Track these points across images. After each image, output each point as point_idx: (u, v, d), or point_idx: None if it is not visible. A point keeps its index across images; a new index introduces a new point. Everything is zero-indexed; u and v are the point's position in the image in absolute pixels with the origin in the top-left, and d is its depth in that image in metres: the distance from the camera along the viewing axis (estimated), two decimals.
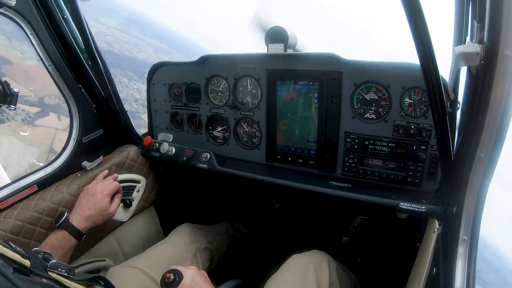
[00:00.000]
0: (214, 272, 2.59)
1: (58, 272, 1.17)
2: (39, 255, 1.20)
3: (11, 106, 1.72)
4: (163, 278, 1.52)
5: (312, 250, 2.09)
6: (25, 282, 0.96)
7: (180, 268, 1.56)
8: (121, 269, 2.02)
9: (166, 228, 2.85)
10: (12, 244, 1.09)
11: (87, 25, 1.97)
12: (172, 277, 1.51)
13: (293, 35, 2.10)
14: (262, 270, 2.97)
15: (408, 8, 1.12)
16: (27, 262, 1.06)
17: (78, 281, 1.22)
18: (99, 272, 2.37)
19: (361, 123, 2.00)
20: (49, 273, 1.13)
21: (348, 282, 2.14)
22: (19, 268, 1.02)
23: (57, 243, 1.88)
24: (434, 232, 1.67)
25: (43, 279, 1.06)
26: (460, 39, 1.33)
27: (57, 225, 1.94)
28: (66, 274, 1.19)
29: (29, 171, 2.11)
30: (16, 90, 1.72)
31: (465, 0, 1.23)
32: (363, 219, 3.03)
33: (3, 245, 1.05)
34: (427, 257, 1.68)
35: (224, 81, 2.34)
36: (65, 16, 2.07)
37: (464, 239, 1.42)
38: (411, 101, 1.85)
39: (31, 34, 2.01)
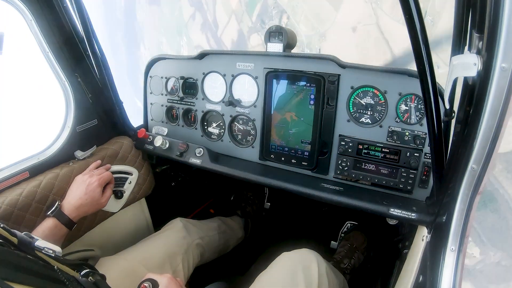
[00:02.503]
0: (204, 269, 2.60)
1: (44, 252, 1.17)
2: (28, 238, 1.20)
3: None
4: None
5: (302, 249, 2.09)
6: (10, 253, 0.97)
7: (155, 276, 1.55)
8: (112, 260, 2.02)
9: (156, 222, 2.85)
10: (1, 222, 1.09)
11: (87, 14, 1.97)
12: (150, 286, 1.50)
13: (292, 35, 2.10)
14: (252, 268, 2.98)
15: (408, 15, 1.12)
16: (14, 239, 1.07)
17: (65, 263, 1.22)
18: (87, 261, 2.37)
19: (356, 127, 2.00)
20: (36, 252, 1.13)
21: (336, 282, 2.14)
22: (4, 243, 1.02)
23: (48, 231, 1.88)
24: (422, 240, 1.68)
25: (28, 256, 1.06)
26: (458, 48, 1.33)
27: (48, 213, 1.94)
28: (53, 255, 1.19)
29: None
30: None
31: (465, 9, 1.23)
32: (352, 224, 3.05)
33: None
34: (414, 264, 1.68)
35: (222, 78, 2.33)
36: (64, 5, 2.05)
37: (452, 249, 1.42)
38: (407, 108, 1.85)
39: (30, 21, 1.99)
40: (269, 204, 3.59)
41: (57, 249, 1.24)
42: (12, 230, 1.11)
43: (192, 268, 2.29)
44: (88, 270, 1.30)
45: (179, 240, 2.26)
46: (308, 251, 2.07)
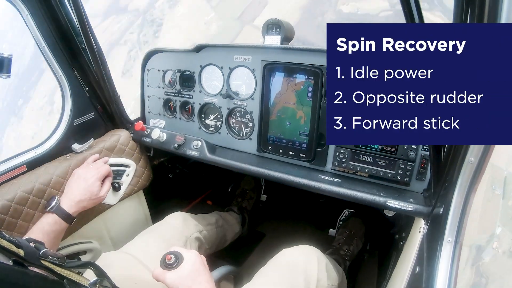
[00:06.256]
0: None
1: (49, 260, 1.18)
2: (31, 244, 1.21)
3: (2, 74, 1.63)
4: (164, 259, 1.50)
5: (302, 245, 2.11)
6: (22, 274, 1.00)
7: (181, 250, 1.55)
8: (114, 255, 2.02)
9: (154, 214, 2.86)
10: (5, 234, 1.10)
11: (83, 8, 1.96)
12: (173, 258, 1.50)
13: (290, 28, 2.09)
14: (249, 259, 2.99)
15: (407, 10, 1.12)
16: (20, 252, 1.07)
17: (69, 268, 1.23)
18: (85, 254, 2.39)
19: None
20: (42, 261, 1.14)
21: (335, 277, 2.16)
22: (17, 260, 1.03)
23: (48, 227, 1.88)
24: (419, 232, 1.69)
25: (36, 268, 1.07)
26: None
27: (48, 209, 1.94)
28: (58, 262, 1.20)
29: None
30: (7, 54, 1.62)
31: (464, 3, 1.23)
32: (350, 211, 3.07)
33: None
34: (411, 255, 1.70)
35: (219, 70, 2.33)
36: None
37: (449, 241, 1.44)
38: None
39: (26, 15, 1.98)
40: (266, 196, 3.60)
41: (61, 256, 1.25)
42: (16, 241, 1.12)
43: None
44: (96, 278, 1.31)
45: (178, 234, 2.27)
46: (308, 247, 2.09)
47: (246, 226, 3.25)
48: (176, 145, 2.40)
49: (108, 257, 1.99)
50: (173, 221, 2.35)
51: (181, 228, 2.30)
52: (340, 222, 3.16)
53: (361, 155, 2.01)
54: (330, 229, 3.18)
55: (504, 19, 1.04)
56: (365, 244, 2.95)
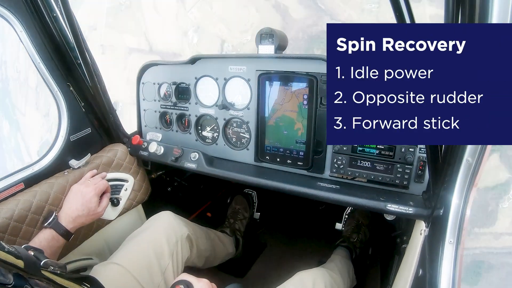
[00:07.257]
0: (199, 271, 2.59)
1: (51, 270, 1.17)
2: (29, 252, 1.19)
3: None
4: None
5: (312, 269, 2.12)
6: None
7: (191, 279, 1.54)
8: (103, 266, 1.99)
9: None
10: (4, 244, 1.09)
11: (77, 23, 1.96)
12: None
13: (283, 37, 2.11)
14: (253, 273, 2.95)
15: (398, 13, 1.14)
16: (20, 263, 1.06)
17: (70, 279, 1.22)
18: (85, 270, 2.37)
19: None
20: (43, 272, 1.13)
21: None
22: (18, 272, 1.02)
23: (45, 242, 1.86)
24: (421, 234, 1.69)
25: (37, 280, 1.06)
26: None
27: (45, 224, 1.93)
28: (59, 272, 1.19)
29: None
30: None
31: (455, 4, 1.24)
32: None
33: None
34: (413, 258, 1.70)
35: (214, 82, 2.34)
36: (54, 14, 2.06)
37: (451, 241, 1.44)
38: None
39: (20, 31, 1.99)
40: (259, 214, 3.55)
41: (63, 265, 1.24)
42: (15, 251, 1.11)
43: (182, 263, 2.23)
44: None
45: (168, 236, 2.18)
46: (317, 271, 2.10)
47: (240, 248, 3.15)
48: (173, 158, 2.39)
49: (98, 269, 1.96)
50: (162, 221, 2.27)
51: (170, 228, 2.22)
52: (346, 216, 3.16)
53: (359, 161, 2.01)
54: (337, 223, 3.17)
55: (495, 19, 1.05)
56: (367, 247, 2.96)
